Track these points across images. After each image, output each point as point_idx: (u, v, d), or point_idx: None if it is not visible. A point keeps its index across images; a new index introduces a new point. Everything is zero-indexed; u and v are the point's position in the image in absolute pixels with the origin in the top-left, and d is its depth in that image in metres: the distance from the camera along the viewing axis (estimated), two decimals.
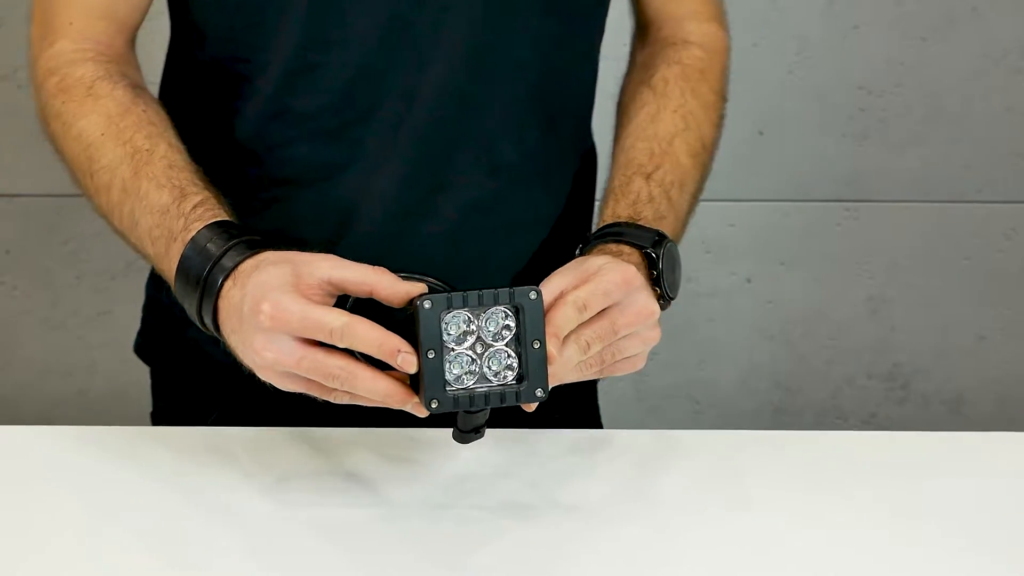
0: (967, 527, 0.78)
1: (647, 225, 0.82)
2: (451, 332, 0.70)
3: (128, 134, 0.83)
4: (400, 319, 0.72)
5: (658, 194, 0.85)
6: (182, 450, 0.84)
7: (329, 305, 0.73)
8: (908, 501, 0.80)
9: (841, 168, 1.64)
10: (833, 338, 1.70)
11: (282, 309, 0.70)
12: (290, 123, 0.88)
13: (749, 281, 1.69)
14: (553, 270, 0.76)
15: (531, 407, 0.73)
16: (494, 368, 0.71)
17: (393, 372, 0.71)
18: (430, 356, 0.69)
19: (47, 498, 0.79)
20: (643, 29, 0.98)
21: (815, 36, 1.60)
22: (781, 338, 1.70)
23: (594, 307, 0.73)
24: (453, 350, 0.70)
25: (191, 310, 0.77)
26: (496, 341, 0.71)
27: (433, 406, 0.70)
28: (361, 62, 0.86)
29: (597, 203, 0.91)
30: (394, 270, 0.73)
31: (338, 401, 0.72)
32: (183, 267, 0.76)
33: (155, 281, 0.99)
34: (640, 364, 0.77)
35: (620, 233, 0.82)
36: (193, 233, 0.77)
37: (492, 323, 0.71)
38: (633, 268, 0.76)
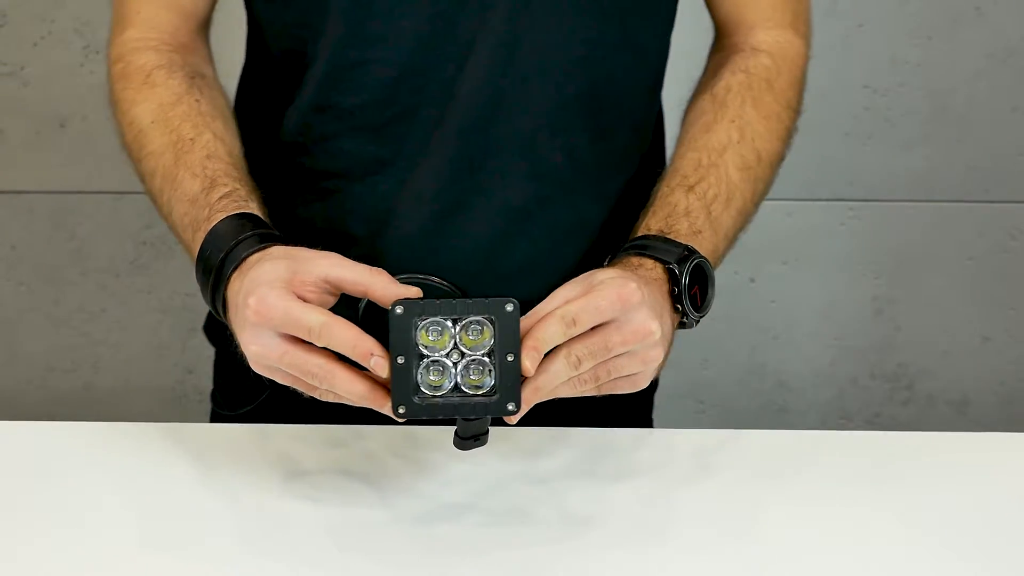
0: (971, 528, 0.78)
1: (677, 239, 0.80)
2: (428, 339, 0.70)
3: (175, 123, 0.86)
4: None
5: (697, 207, 0.83)
6: (186, 447, 0.84)
7: (327, 303, 0.73)
8: (912, 502, 0.80)
9: (845, 167, 1.64)
10: (837, 338, 1.70)
11: (266, 304, 0.71)
12: (335, 118, 0.89)
13: (752, 280, 1.68)
14: None
15: (515, 420, 0.72)
16: (471, 379, 0.70)
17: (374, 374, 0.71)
18: (399, 362, 0.69)
19: (51, 494, 0.80)
20: (717, 34, 0.95)
21: (819, 35, 1.58)
22: (785, 338, 1.70)
23: (584, 322, 0.71)
24: (428, 357, 0.70)
25: (207, 298, 0.78)
26: (474, 351, 0.70)
27: (400, 412, 0.70)
28: (403, 60, 0.86)
29: None
30: (423, 271, 0.73)
31: (323, 399, 0.73)
32: (201, 255, 0.78)
33: None
34: (642, 383, 0.75)
35: (646, 246, 0.80)
36: (214, 223, 0.79)
37: (470, 333, 0.70)
38: (633, 285, 0.73)
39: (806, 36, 0.95)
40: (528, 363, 0.70)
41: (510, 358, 0.69)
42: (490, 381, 0.70)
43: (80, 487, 0.80)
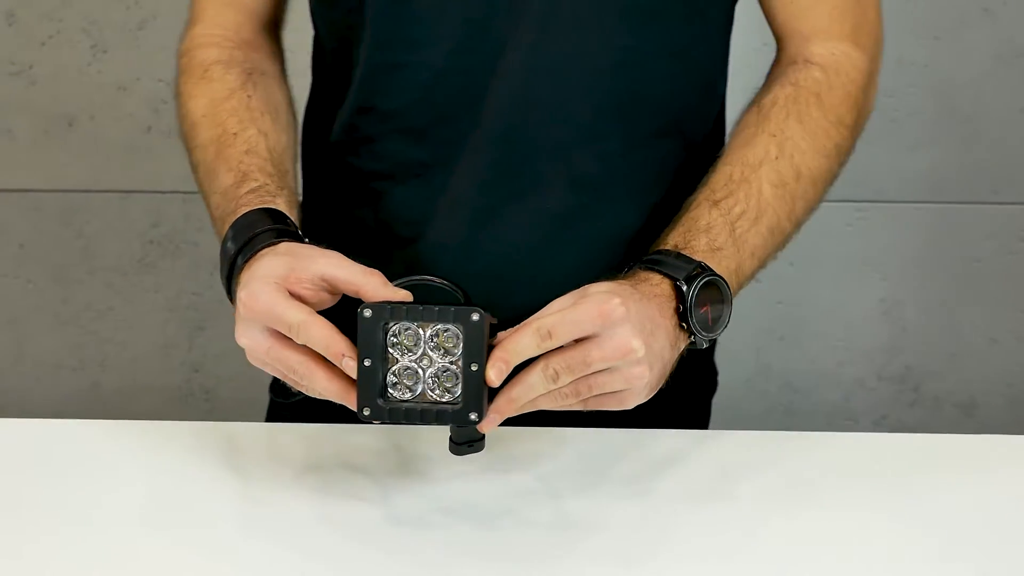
0: (978, 530, 0.77)
1: (692, 256, 0.78)
2: (398, 343, 0.70)
3: (223, 117, 0.87)
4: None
5: (719, 223, 0.81)
6: (192, 445, 0.84)
7: (324, 300, 0.74)
8: (919, 504, 0.80)
9: (852, 168, 1.63)
10: (844, 340, 1.69)
11: (254, 299, 0.73)
12: (378, 120, 0.90)
13: (758, 281, 1.68)
14: None
15: (486, 429, 0.72)
16: (440, 386, 0.71)
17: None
18: (366, 364, 0.70)
19: (58, 492, 0.80)
20: (776, 45, 0.92)
21: None
22: (791, 339, 1.70)
23: (561, 335, 0.71)
24: (398, 361, 0.70)
25: (225, 288, 0.80)
26: (443, 358, 0.70)
27: (365, 413, 0.70)
28: (439, 63, 0.86)
29: None
30: (454, 276, 0.74)
31: (309, 394, 0.74)
32: (223, 247, 0.80)
33: (309, 232, 0.99)
34: (629, 402, 0.74)
35: (658, 261, 0.78)
36: (237, 216, 0.80)
37: (442, 339, 0.70)
38: (616, 300, 0.71)
39: (868, 50, 0.90)
40: (493, 373, 0.70)
41: (474, 367, 0.69)
42: (458, 390, 0.70)
43: (86, 485, 0.80)
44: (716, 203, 0.82)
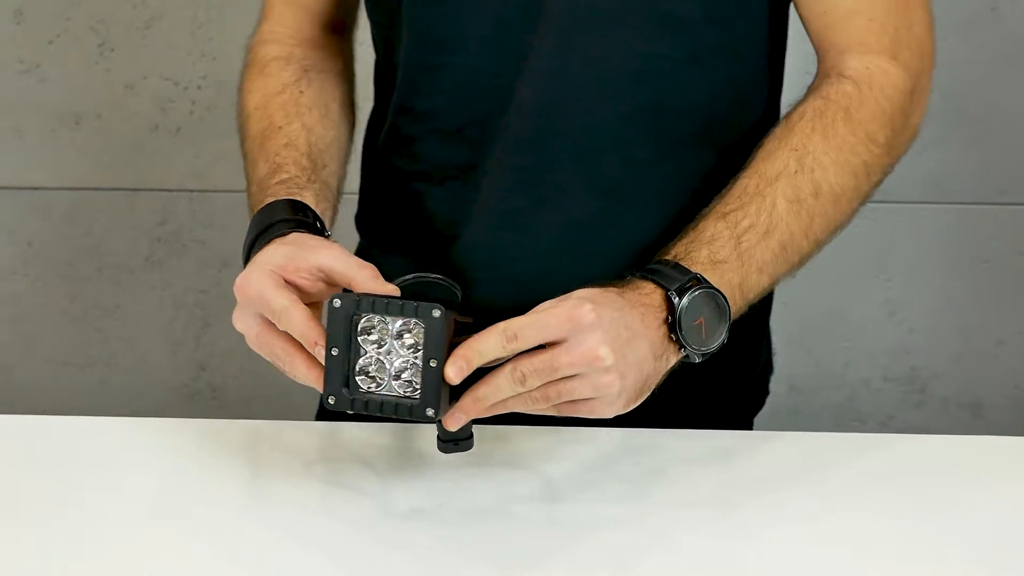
0: (985, 532, 0.77)
1: (690, 267, 0.77)
2: (366, 335, 0.72)
3: (271, 111, 0.90)
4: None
5: (724, 236, 0.79)
6: (199, 442, 0.84)
7: (321, 291, 0.75)
8: (925, 506, 0.80)
9: None
10: (850, 340, 1.69)
11: (247, 284, 0.75)
12: (415, 120, 0.91)
13: None
14: None
15: (454, 427, 0.72)
16: (403, 378, 0.72)
17: None
18: (333, 353, 0.71)
19: (64, 488, 0.80)
20: (816, 57, 0.89)
21: None
22: (797, 340, 1.70)
23: (527, 338, 0.70)
24: (366, 352, 0.72)
25: None
26: (408, 352, 0.71)
27: (330, 402, 0.72)
28: (471, 65, 0.87)
29: None
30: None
31: (295, 380, 0.75)
32: (247, 235, 0.82)
33: (363, 230, 1.00)
34: (601, 410, 0.73)
35: (655, 270, 0.77)
36: (262, 206, 0.82)
37: (407, 334, 0.71)
38: (588, 306, 0.71)
39: (910, 66, 0.86)
40: (451, 371, 0.70)
41: (433, 363, 0.70)
42: (415, 385, 0.71)
43: (93, 481, 0.81)
44: (724, 215, 0.80)
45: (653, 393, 0.77)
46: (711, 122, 0.88)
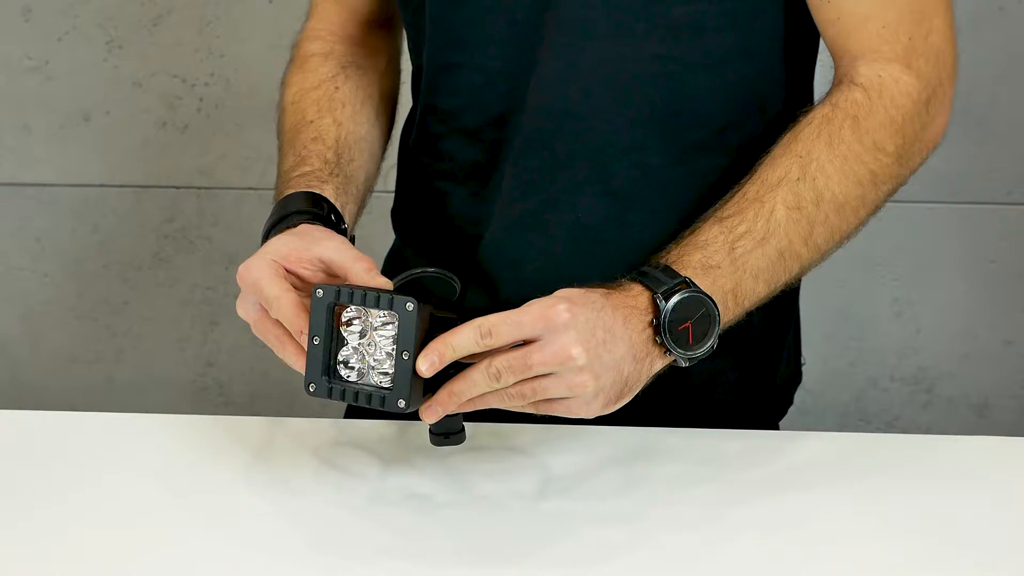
0: (990, 532, 0.77)
1: (681, 271, 0.76)
2: (350, 326, 0.73)
3: (305, 105, 0.91)
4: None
5: (719, 241, 0.78)
6: (205, 438, 0.85)
7: (323, 281, 0.76)
8: (932, 505, 0.80)
9: None
10: (857, 340, 1.69)
11: (248, 272, 0.76)
12: (439, 119, 0.92)
13: None
14: None
15: (432, 419, 0.73)
16: (380, 368, 0.73)
17: None
18: (315, 342, 0.73)
19: (72, 484, 0.80)
20: (832, 63, 0.87)
21: None
22: (803, 339, 1.69)
23: (501, 335, 0.71)
24: (347, 342, 0.73)
25: None
26: (386, 343, 0.72)
27: (311, 389, 0.73)
28: (489, 65, 0.87)
29: None
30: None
31: (290, 365, 0.76)
32: (264, 225, 0.83)
33: (397, 228, 1.01)
34: (578, 410, 0.72)
35: (645, 273, 0.77)
36: (281, 196, 0.84)
37: (389, 326, 0.72)
38: (562, 306, 0.71)
39: (924, 74, 0.84)
40: (423, 364, 0.70)
41: (405, 356, 0.71)
42: (388, 375, 0.73)
43: (100, 477, 0.81)
44: (721, 220, 0.79)
45: (655, 397, 0.77)
46: (725, 126, 0.87)
